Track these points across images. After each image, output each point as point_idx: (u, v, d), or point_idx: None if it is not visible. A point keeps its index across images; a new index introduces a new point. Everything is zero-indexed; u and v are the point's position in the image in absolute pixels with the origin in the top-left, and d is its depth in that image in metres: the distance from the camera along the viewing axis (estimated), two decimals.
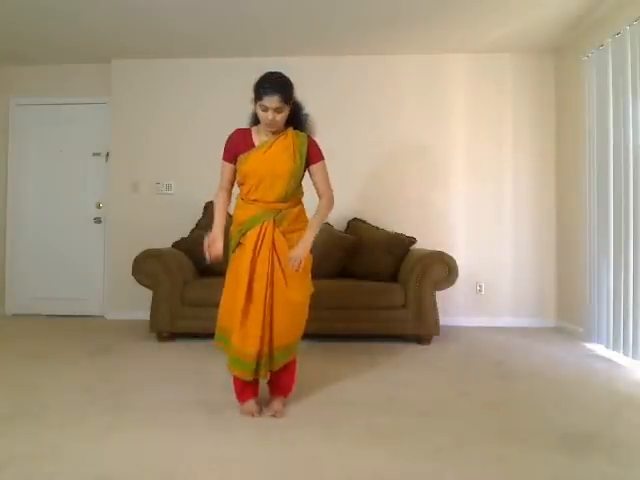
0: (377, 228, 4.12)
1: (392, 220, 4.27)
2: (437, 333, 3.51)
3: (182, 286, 3.54)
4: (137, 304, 4.11)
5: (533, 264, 4.33)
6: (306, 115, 2.25)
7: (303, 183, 2.23)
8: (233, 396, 2.21)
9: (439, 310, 3.54)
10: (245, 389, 2.15)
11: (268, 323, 2.05)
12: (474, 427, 2.01)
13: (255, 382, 2.17)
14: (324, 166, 2.21)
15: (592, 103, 3.56)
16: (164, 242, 3.97)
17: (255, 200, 2.12)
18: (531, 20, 3.71)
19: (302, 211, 2.23)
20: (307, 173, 2.23)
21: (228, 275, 2.18)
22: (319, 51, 4.35)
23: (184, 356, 3.16)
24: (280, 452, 1.78)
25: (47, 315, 4.61)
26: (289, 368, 2.21)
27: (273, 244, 2.09)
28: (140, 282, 3.57)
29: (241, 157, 2.14)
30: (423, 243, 4.05)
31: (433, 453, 1.76)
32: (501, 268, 4.34)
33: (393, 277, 3.78)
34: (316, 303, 3.63)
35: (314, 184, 2.22)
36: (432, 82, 4.40)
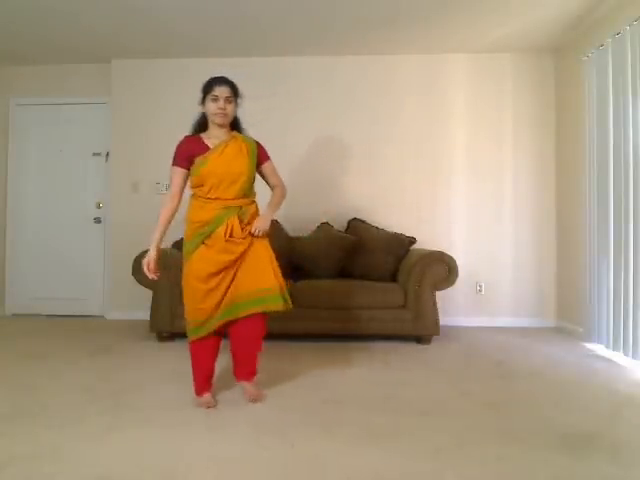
0: (377, 228, 4.12)
1: (392, 220, 4.27)
2: (437, 333, 3.50)
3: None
4: (137, 304, 4.11)
5: (533, 264, 4.33)
6: (244, 129, 2.42)
7: (257, 188, 2.38)
8: (232, 395, 2.22)
9: (439, 310, 3.53)
10: (204, 384, 2.27)
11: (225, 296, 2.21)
12: (474, 427, 2.01)
13: (210, 376, 2.30)
14: (272, 163, 2.42)
15: (592, 103, 3.56)
16: (164, 242, 3.95)
17: (217, 198, 2.21)
18: (531, 20, 3.71)
19: (257, 210, 2.36)
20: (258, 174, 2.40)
21: (188, 278, 2.23)
22: (319, 51, 4.35)
23: (184, 356, 3.11)
24: (279, 451, 1.78)
25: (47, 315, 4.61)
26: (258, 345, 2.32)
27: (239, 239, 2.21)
28: (140, 282, 3.57)
29: (198, 159, 2.23)
30: (423, 243, 4.06)
31: (433, 453, 1.76)
32: (501, 268, 4.34)
33: (393, 277, 3.78)
34: (316, 303, 3.64)
35: (267, 180, 2.43)
36: (432, 82, 4.40)
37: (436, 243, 4.10)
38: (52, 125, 4.74)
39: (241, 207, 2.24)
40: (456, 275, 3.52)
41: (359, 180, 4.39)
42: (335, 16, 3.67)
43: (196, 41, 4.16)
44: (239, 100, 2.31)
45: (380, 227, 4.15)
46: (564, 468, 1.66)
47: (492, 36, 4.02)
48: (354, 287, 3.59)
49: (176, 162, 2.29)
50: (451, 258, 3.54)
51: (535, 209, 4.34)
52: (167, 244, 3.98)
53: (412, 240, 3.88)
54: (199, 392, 2.27)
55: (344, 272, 3.90)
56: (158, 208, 5.04)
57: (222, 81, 2.24)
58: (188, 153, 2.26)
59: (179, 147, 2.29)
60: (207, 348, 2.27)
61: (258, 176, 2.40)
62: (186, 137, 2.32)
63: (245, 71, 4.30)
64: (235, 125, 2.36)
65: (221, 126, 2.27)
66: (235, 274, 2.20)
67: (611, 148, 3.31)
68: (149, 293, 3.59)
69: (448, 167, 4.38)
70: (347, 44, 4.20)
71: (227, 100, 2.22)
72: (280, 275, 2.29)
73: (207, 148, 2.25)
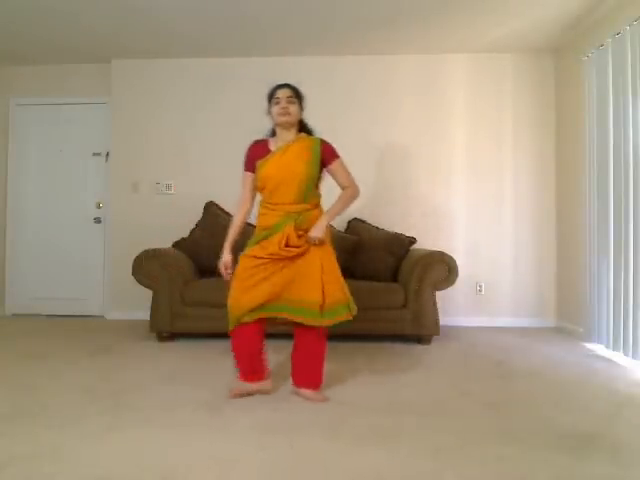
0: (377, 228, 4.12)
1: (392, 220, 4.27)
2: (437, 333, 3.50)
3: (182, 286, 3.54)
4: (137, 304, 4.11)
5: (533, 264, 4.33)
6: (312, 130, 2.42)
7: (322, 189, 2.35)
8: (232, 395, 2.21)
9: (439, 310, 3.53)
10: (249, 370, 2.30)
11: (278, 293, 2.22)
12: (474, 427, 2.01)
13: (254, 364, 2.30)
14: (341, 163, 2.36)
15: (592, 103, 3.56)
16: (164, 242, 3.97)
17: (276, 203, 2.24)
18: (531, 20, 3.71)
19: (320, 213, 2.33)
20: (327, 175, 2.36)
21: (238, 271, 2.24)
22: (319, 51, 4.35)
23: (184, 356, 3.15)
24: (280, 452, 1.78)
25: (47, 315, 4.61)
26: (315, 356, 2.31)
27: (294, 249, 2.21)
28: (140, 282, 3.57)
29: (259, 162, 2.27)
30: (423, 243, 4.06)
31: (433, 453, 1.76)
32: (501, 268, 4.34)
33: (393, 277, 3.78)
34: None
35: (336, 182, 2.37)
36: (431, 82, 4.40)
37: (436, 243, 4.10)
38: (52, 125, 4.74)
39: (300, 214, 2.23)
40: (456, 275, 3.52)
41: (358, 180, 4.34)
42: (335, 16, 3.67)
43: (196, 41, 4.16)
44: (303, 104, 2.33)
45: (380, 227, 4.15)
46: (564, 468, 1.66)
47: (491, 36, 4.02)
48: (354, 287, 3.57)
49: (245, 166, 2.34)
50: (451, 258, 3.53)
51: (535, 209, 4.34)
52: (167, 244, 3.99)
53: (412, 240, 3.88)
54: (245, 377, 2.31)
55: (344, 272, 3.81)
56: (158, 208, 5.07)
57: (283, 85, 2.29)
58: (253, 157, 2.30)
59: (247, 151, 2.34)
60: (247, 334, 2.25)
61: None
62: (254, 141, 2.35)
63: (245, 71, 4.32)
64: (304, 128, 2.37)
65: (287, 128, 2.28)
66: (287, 276, 2.21)
67: (611, 148, 3.31)
68: (149, 293, 3.59)
69: (448, 167, 4.38)
70: (347, 44, 4.20)
71: (289, 100, 2.25)
72: (336, 286, 2.30)
73: (269, 151, 2.28)
